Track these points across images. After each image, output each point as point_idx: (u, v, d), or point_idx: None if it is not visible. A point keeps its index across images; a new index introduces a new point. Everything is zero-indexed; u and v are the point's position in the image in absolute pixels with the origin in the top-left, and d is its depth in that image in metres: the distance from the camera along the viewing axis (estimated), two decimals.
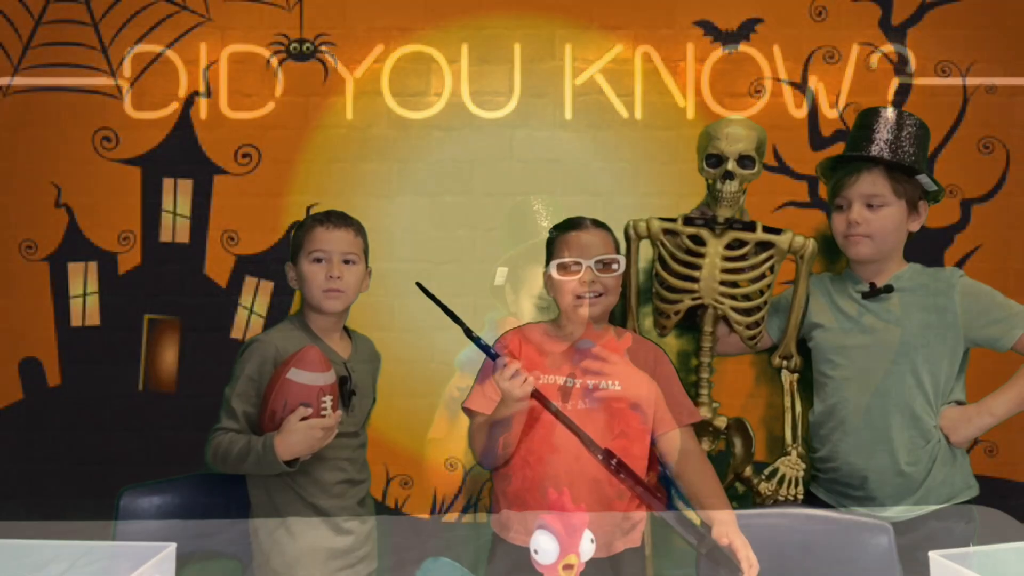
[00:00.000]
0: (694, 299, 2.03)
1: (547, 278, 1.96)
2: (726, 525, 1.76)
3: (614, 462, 1.71)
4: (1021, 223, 2.27)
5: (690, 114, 2.23)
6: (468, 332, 1.73)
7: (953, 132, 2.27)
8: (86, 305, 2.19)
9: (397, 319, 2.16)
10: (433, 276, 2.22)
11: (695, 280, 2.02)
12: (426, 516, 2.19)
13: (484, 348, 1.73)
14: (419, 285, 1.74)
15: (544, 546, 1.39)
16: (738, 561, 1.70)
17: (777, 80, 2.27)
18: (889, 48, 2.28)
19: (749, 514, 1.95)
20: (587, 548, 1.42)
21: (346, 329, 1.97)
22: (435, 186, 2.24)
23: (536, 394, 1.72)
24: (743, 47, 2.27)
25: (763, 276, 2.04)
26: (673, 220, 2.07)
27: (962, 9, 2.28)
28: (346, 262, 1.87)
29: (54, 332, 2.19)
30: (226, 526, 2.01)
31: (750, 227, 2.05)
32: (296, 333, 1.87)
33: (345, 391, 1.85)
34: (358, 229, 1.92)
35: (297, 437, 1.68)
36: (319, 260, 1.86)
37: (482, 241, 2.22)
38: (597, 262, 1.86)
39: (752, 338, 2.07)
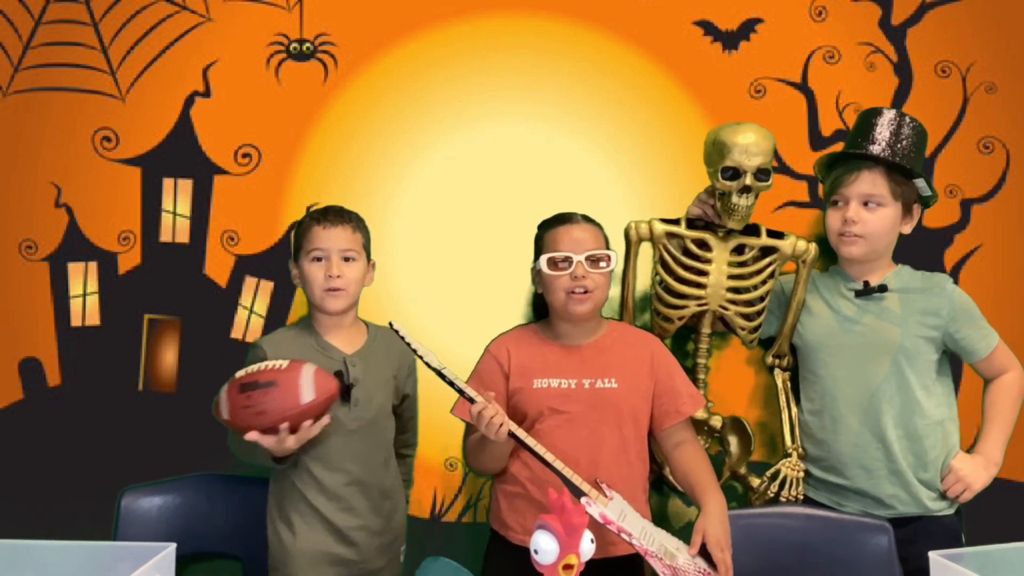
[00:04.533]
0: (700, 305, 2.02)
1: (536, 274, 1.94)
2: (708, 519, 1.75)
3: (589, 511, 1.66)
4: (1021, 223, 2.27)
5: (689, 114, 2.22)
6: (441, 374, 1.68)
7: (953, 132, 2.27)
8: (86, 305, 2.19)
9: (396, 320, 2.16)
10: (434, 276, 2.22)
11: (702, 286, 2.01)
12: (426, 516, 2.19)
13: (459, 391, 1.70)
14: (391, 326, 1.72)
15: (544, 546, 1.39)
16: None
17: (777, 80, 2.27)
18: (889, 48, 2.28)
19: (749, 514, 1.96)
20: (587, 548, 1.42)
21: (368, 325, 1.96)
22: (436, 186, 2.24)
23: (512, 435, 1.70)
24: (743, 47, 2.27)
25: (765, 281, 2.04)
26: (676, 222, 2.05)
27: (962, 9, 2.28)
28: (346, 259, 1.86)
29: (54, 332, 2.19)
30: (226, 526, 2.02)
31: (754, 231, 2.04)
32: (297, 337, 1.88)
33: (339, 386, 1.84)
34: (357, 224, 1.90)
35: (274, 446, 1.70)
36: (318, 259, 1.85)
37: (484, 241, 2.22)
38: (588, 257, 1.84)
39: (752, 341, 2.08)
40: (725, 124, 1.99)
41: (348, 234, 1.88)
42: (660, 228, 2.03)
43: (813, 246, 2.03)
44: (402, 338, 1.70)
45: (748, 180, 1.92)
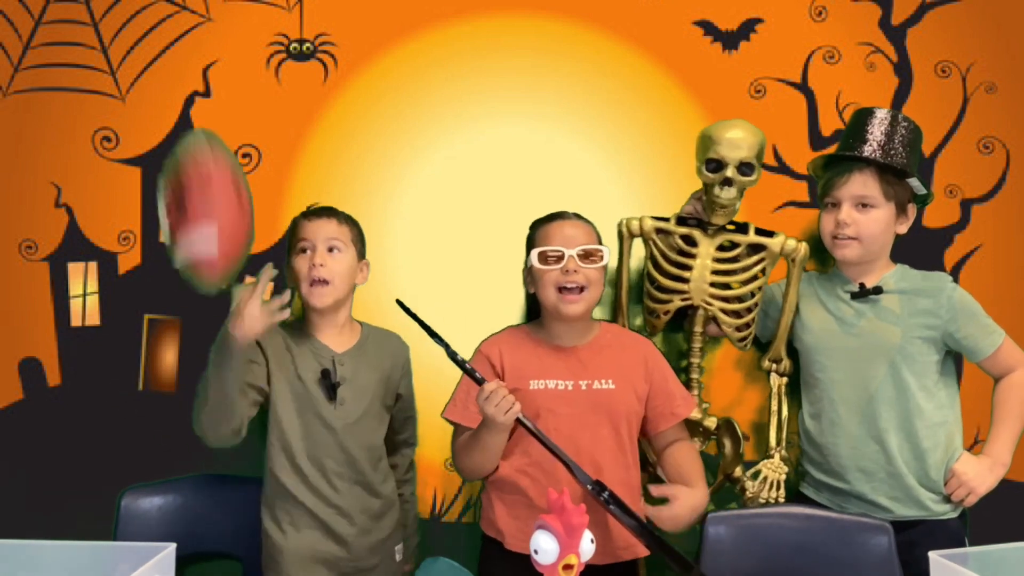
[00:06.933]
0: (684, 299, 2.03)
1: (527, 273, 1.93)
2: (683, 500, 1.76)
3: (605, 494, 1.68)
4: (1021, 223, 2.27)
5: (689, 114, 2.22)
6: (451, 354, 1.69)
7: (953, 132, 2.27)
8: (86, 305, 2.19)
9: (396, 321, 2.16)
10: (435, 276, 2.22)
11: (685, 281, 2.02)
12: (426, 516, 2.19)
13: (469, 371, 1.71)
14: (399, 303, 1.72)
15: (544, 546, 1.39)
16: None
17: (777, 80, 2.27)
18: (889, 48, 2.28)
19: (749, 514, 1.96)
20: (587, 548, 1.42)
21: (363, 325, 1.96)
22: (436, 186, 2.24)
23: (519, 420, 1.70)
24: (743, 47, 2.27)
25: (754, 278, 2.04)
26: (666, 219, 2.07)
27: (962, 9, 2.28)
28: (330, 249, 1.85)
29: (54, 332, 2.19)
30: (226, 526, 2.01)
31: (743, 229, 2.05)
32: (289, 333, 1.89)
33: (325, 385, 1.84)
34: (345, 219, 1.91)
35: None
36: (304, 251, 1.86)
37: (484, 241, 2.22)
38: (580, 252, 1.84)
39: (742, 339, 2.07)
40: (718, 121, 2.02)
41: (333, 225, 1.88)
42: (650, 224, 2.06)
43: (803, 245, 2.03)
44: (413, 316, 1.70)
45: (730, 172, 1.93)
